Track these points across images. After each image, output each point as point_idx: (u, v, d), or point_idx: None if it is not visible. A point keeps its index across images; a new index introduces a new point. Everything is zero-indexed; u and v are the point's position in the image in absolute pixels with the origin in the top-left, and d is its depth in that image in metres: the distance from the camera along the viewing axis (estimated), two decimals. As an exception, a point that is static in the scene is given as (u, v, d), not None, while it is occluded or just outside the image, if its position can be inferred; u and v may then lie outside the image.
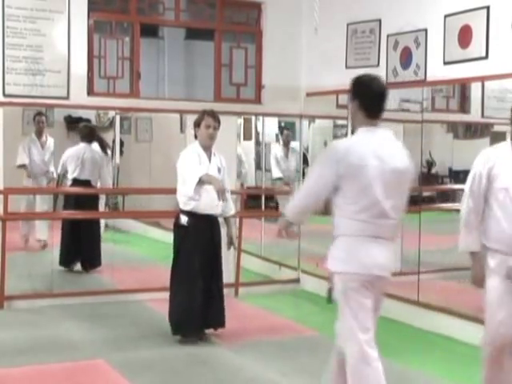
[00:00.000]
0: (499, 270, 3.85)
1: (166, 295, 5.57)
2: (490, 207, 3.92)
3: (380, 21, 6.73)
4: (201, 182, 5.20)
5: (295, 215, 3.74)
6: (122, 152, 8.51)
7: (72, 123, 9.19)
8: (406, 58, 6.39)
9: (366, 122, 3.68)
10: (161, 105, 7.57)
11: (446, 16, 5.95)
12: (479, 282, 3.98)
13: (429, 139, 7.29)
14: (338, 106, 7.53)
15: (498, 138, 7.58)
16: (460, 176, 7.82)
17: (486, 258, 3.94)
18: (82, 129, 8.23)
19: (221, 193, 5.17)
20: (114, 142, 8.29)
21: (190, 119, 7.48)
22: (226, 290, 5.82)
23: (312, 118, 8.09)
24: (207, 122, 5.47)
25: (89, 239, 7.70)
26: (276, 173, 9.38)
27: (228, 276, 6.38)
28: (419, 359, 5.31)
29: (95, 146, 8.11)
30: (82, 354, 5.25)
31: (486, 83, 6.40)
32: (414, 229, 6.44)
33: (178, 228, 5.49)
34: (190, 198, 5.33)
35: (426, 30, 6.18)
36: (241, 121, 9.36)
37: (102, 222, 8.32)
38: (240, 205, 7.63)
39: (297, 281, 7.78)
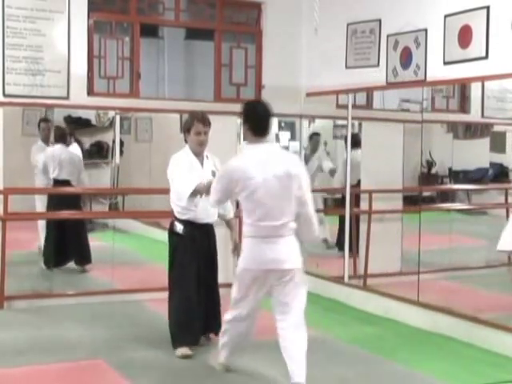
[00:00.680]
0: None
1: (166, 295, 5.55)
2: None
3: (380, 21, 6.72)
4: (194, 194, 5.04)
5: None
6: (121, 152, 8.51)
7: (72, 123, 9.17)
8: (406, 58, 6.39)
9: (254, 139, 4.48)
10: (161, 105, 7.57)
11: (446, 16, 5.95)
12: None
13: (429, 139, 7.29)
14: (338, 106, 7.53)
15: (497, 137, 7.61)
16: (460, 176, 7.84)
17: None
18: (55, 130, 8.22)
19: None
20: (113, 141, 8.28)
21: (190, 119, 7.52)
22: (225, 290, 5.79)
23: (312, 118, 8.09)
24: (197, 129, 5.24)
25: (75, 237, 7.70)
26: None
27: (228, 276, 6.36)
28: (419, 359, 5.30)
29: (75, 147, 8.11)
30: (82, 354, 5.25)
31: (486, 83, 6.40)
32: (414, 229, 6.44)
33: (172, 235, 5.33)
34: (185, 207, 5.19)
35: (425, 30, 6.17)
36: (241, 121, 9.32)
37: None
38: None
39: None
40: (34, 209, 7.84)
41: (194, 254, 5.28)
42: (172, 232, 5.34)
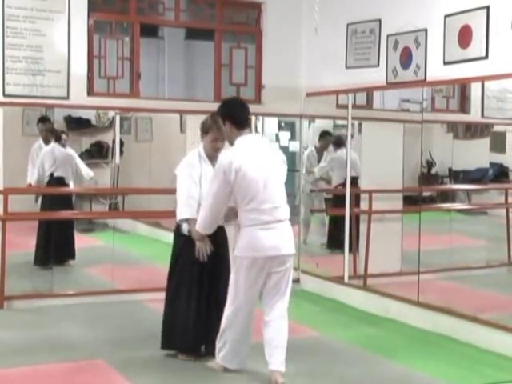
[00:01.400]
0: None
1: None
2: None
3: (380, 21, 6.72)
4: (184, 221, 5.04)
5: (206, 226, 4.76)
6: (121, 152, 8.51)
7: (72, 123, 9.18)
8: (406, 58, 6.39)
9: (239, 133, 4.65)
10: (161, 105, 7.57)
11: (446, 16, 5.95)
12: None
13: (429, 139, 7.30)
14: (338, 106, 7.53)
15: (497, 138, 7.61)
16: (460, 176, 7.84)
17: None
18: (49, 132, 8.24)
19: (200, 248, 4.94)
20: (113, 141, 8.29)
21: (190, 119, 7.52)
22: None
23: (312, 118, 8.10)
24: (215, 135, 5.09)
25: (60, 234, 7.70)
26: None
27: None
28: (419, 359, 5.30)
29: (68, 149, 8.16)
30: (82, 354, 5.25)
31: (486, 83, 6.41)
32: (414, 229, 6.44)
33: (179, 236, 5.19)
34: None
35: (425, 30, 6.17)
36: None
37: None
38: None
39: (297, 281, 7.75)
40: (33, 209, 7.85)
41: (196, 258, 5.04)
42: (178, 233, 5.18)
